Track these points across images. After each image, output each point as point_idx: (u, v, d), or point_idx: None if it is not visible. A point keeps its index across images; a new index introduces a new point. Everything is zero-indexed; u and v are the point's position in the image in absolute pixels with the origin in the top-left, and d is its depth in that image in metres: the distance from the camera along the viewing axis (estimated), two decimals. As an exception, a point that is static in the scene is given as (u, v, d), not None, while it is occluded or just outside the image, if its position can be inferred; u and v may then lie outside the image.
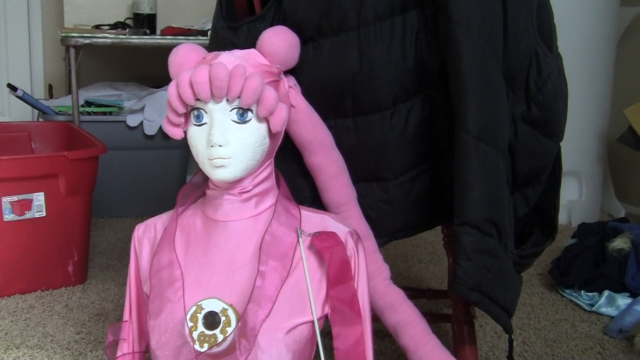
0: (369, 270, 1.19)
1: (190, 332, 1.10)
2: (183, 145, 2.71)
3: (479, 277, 1.20)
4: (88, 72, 3.07)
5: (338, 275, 1.10)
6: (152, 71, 3.05)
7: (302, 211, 1.16)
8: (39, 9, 3.33)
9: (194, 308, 1.11)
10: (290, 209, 1.16)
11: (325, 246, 1.10)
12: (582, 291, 2.00)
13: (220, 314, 1.09)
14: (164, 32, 2.78)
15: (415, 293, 1.74)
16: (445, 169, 1.27)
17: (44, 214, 1.96)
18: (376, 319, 1.23)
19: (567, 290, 2.05)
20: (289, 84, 1.19)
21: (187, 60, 1.13)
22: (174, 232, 1.17)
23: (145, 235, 1.22)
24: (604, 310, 1.93)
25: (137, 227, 1.23)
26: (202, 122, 1.08)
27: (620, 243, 2.02)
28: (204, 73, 1.05)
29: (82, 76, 2.86)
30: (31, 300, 1.94)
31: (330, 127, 1.26)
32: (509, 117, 1.28)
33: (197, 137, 1.09)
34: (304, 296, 1.10)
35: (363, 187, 1.29)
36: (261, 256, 1.09)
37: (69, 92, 2.73)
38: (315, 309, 1.10)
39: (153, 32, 2.82)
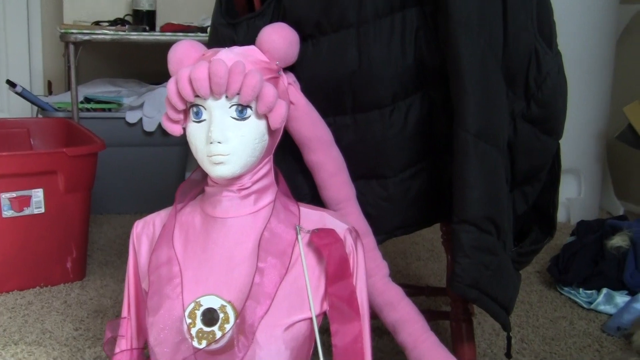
0: (368, 267, 1.19)
1: (189, 329, 1.10)
2: (182, 142, 2.70)
3: (477, 274, 1.20)
4: (87, 68, 3.07)
5: (337, 273, 1.10)
6: (151, 68, 3.05)
7: (301, 208, 1.16)
8: (39, 5, 3.33)
9: (192, 305, 1.11)
10: (289, 206, 1.16)
11: (324, 243, 1.10)
12: (581, 289, 2.00)
13: (218, 311, 1.09)
14: (164, 29, 2.78)
15: (414, 290, 1.74)
16: (444, 167, 1.27)
17: (42, 210, 1.96)
18: (374, 316, 1.23)
19: (566, 288, 2.05)
20: (288, 80, 1.19)
21: (186, 57, 1.13)
22: (172, 228, 1.17)
23: (144, 231, 1.22)
24: (602, 308, 1.93)
25: (135, 224, 1.23)
26: (201, 119, 1.08)
27: (618, 241, 2.02)
28: (203, 70, 1.05)
29: (81, 72, 2.86)
30: (29, 297, 1.94)
31: (329, 124, 1.26)
32: (508, 115, 1.28)
33: (196, 134, 1.09)
34: (303, 293, 1.10)
35: (362, 185, 1.29)
36: (260, 253, 1.09)
37: (68, 88, 2.73)
38: (313, 306, 1.10)
39: (152, 28, 2.82)
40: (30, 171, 1.92)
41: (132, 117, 2.71)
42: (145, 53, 3.12)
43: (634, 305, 1.81)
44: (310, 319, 1.10)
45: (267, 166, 1.15)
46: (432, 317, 1.45)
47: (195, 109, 1.08)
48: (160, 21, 2.90)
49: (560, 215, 2.72)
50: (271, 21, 1.26)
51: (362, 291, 1.14)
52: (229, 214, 1.13)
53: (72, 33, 2.53)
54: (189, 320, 1.10)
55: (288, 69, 1.21)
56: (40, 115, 2.74)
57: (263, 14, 1.29)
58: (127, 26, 2.77)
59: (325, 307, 1.11)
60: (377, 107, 1.25)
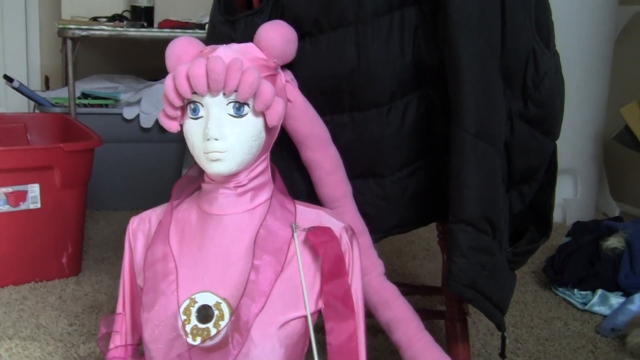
0: (363, 266, 1.19)
1: (184, 325, 1.10)
2: (179, 139, 2.67)
3: (473, 274, 1.20)
4: (85, 64, 3.06)
5: (332, 271, 1.11)
6: (149, 64, 3.04)
7: (298, 206, 1.16)
8: (36, 1, 3.32)
9: (187, 301, 1.10)
10: (286, 204, 1.16)
11: (319, 241, 1.10)
12: (576, 290, 2.00)
13: (213, 308, 1.09)
14: (162, 25, 2.77)
15: (409, 289, 1.74)
16: (441, 167, 1.27)
17: (38, 205, 1.96)
18: (369, 314, 1.23)
19: (561, 289, 2.05)
20: (285, 78, 1.19)
21: (184, 54, 1.13)
22: (168, 225, 1.17)
23: (140, 228, 1.22)
24: (596, 309, 1.93)
25: (131, 220, 1.23)
26: (199, 116, 1.08)
27: (614, 242, 2.03)
28: (201, 66, 1.05)
29: (78, 68, 2.86)
30: (24, 292, 1.93)
31: (327, 123, 1.26)
32: (505, 115, 1.28)
33: (193, 131, 1.09)
34: (298, 291, 1.10)
35: (359, 183, 1.29)
36: (256, 250, 1.09)
37: (66, 83, 2.72)
38: (308, 304, 1.10)
39: (150, 25, 2.81)
40: (27, 166, 1.92)
41: (129, 113, 2.71)
42: (143, 49, 3.12)
43: (628, 306, 1.81)
44: (305, 316, 1.10)
45: (264, 164, 1.15)
46: (427, 316, 1.45)
47: (192, 106, 1.08)
48: (158, 17, 2.89)
49: (557, 216, 2.72)
50: (269, 19, 1.26)
51: (358, 289, 1.14)
52: (225, 211, 1.13)
53: (70, 28, 2.53)
54: (183, 317, 1.10)
55: (286, 66, 1.21)
56: (37, 111, 2.73)
57: (261, 12, 1.28)
58: (125, 22, 2.76)
59: (321, 305, 1.11)
60: (375, 105, 1.25)
